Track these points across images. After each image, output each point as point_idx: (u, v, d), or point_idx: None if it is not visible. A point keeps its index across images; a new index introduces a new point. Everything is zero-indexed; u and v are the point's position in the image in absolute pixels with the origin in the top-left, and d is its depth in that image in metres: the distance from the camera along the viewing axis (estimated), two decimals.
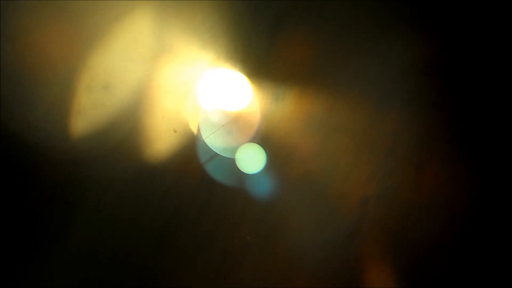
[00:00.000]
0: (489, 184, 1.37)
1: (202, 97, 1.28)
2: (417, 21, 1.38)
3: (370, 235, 1.32)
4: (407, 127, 1.36)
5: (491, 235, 1.35)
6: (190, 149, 1.27)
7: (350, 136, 1.34)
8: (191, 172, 1.26)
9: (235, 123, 1.29)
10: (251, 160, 1.28)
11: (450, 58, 1.39)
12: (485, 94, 1.38)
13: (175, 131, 1.25)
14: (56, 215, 1.19)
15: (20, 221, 1.17)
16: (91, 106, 1.20)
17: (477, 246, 1.35)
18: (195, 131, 1.28)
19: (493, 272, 1.34)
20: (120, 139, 1.21)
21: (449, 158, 1.36)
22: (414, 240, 1.33)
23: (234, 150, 1.29)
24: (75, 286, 1.19)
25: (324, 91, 1.33)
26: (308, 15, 1.33)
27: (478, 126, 1.38)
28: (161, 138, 1.25)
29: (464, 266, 1.34)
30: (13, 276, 1.16)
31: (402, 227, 1.33)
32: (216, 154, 1.28)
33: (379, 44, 1.36)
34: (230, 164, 1.28)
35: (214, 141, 1.28)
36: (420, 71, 1.38)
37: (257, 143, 1.30)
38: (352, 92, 1.35)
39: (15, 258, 1.17)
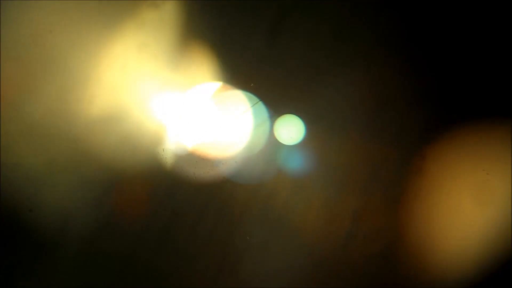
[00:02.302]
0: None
1: (200, 100, 1.29)
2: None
3: (371, 230, 1.32)
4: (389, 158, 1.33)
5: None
6: (189, 150, 1.27)
7: None
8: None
9: (231, 128, 1.30)
10: (289, 131, 1.27)
11: (439, 90, 1.36)
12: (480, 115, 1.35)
13: (175, 134, 1.26)
14: (54, 216, 1.18)
15: (19, 222, 1.16)
16: (89, 107, 1.20)
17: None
18: (193, 133, 1.28)
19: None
20: (119, 139, 1.21)
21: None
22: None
23: (234, 151, 1.29)
24: (74, 286, 1.18)
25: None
26: (305, 22, 1.35)
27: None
28: (159, 140, 1.25)
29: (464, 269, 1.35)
30: (13, 276, 1.15)
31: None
32: (216, 155, 1.28)
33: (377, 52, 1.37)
34: (230, 164, 1.29)
35: (214, 142, 1.28)
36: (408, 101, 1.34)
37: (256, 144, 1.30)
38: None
39: (14, 259, 1.16)
